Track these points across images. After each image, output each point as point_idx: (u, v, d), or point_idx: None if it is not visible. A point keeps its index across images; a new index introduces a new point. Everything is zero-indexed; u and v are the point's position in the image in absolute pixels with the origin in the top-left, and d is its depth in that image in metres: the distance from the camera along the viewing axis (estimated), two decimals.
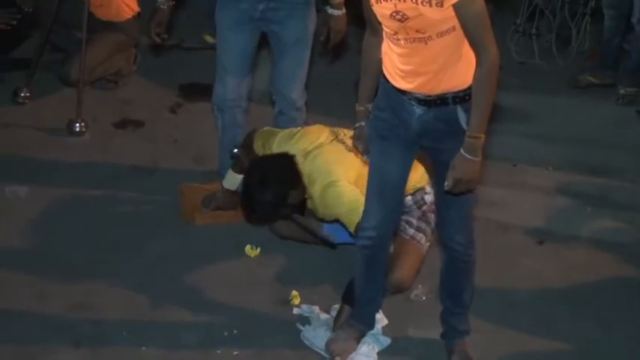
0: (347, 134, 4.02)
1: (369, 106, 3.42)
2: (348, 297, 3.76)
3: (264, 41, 4.30)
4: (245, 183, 4.00)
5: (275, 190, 3.91)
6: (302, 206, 4.01)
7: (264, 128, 4.25)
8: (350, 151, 3.94)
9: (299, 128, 4.16)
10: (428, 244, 4.07)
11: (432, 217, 4.04)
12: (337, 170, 3.88)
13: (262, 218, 4.13)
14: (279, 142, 4.09)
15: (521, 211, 4.71)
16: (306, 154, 3.97)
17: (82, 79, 5.15)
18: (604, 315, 3.99)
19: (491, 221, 4.52)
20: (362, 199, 3.58)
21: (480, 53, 3.01)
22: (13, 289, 3.91)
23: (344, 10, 4.11)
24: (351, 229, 3.71)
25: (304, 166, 3.94)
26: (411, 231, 4.05)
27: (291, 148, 4.01)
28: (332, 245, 4.06)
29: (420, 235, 4.05)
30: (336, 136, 4.06)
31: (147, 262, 4.13)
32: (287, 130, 4.15)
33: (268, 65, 4.40)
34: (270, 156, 4.06)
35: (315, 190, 3.89)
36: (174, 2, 4.18)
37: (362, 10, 3.25)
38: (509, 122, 5.35)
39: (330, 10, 4.10)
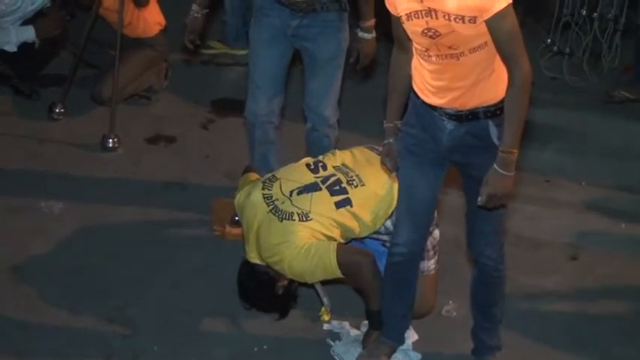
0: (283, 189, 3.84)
1: (398, 123, 3.42)
2: (374, 322, 3.75)
3: (297, 58, 4.31)
4: (242, 302, 3.96)
5: (262, 297, 3.89)
6: (292, 283, 3.91)
7: (249, 175, 4.14)
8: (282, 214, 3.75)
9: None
10: (435, 259, 3.93)
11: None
12: (284, 247, 3.68)
13: (274, 306, 4.01)
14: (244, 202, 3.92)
15: (553, 227, 4.68)
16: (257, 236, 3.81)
17: (115, 97, 5.19)
18: (637, 332, 3.95)
19: (523, 236, 4.49)
20: (315, 249, 3.59)
21: (513, 69, 3.00)
22: (46, 303, 3.94)
23: (374, 34, 4.11)
24: (336, 272, 3.64)
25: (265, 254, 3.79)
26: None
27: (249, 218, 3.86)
28: (325, 308, 3.98)
29: (424, 263, 3.86)
30: (274, 204, 3.79)
31: (178, 277, 4.15)
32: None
33: (301, 81, 4.41)
34: (241, 274, 3.92)
35: (286, 271, 3.75)
36: (208, 10, 4.20)
37: (391, 26, 3.25)
38: (542, 138, 5.32)
39: (360, 34, 4.10)
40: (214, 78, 6.03)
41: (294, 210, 3.70)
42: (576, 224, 4.72)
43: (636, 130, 5.71)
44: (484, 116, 3.14)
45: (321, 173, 3.86)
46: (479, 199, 3.15)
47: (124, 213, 4.58)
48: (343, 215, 3.73)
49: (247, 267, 3.86)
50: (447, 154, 3.29)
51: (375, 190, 3.79)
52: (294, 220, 3.67)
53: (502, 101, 3.08)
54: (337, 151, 4.03)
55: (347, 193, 3.77)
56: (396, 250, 3.51)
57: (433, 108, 3.21)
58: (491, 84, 3.10)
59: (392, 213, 3.75)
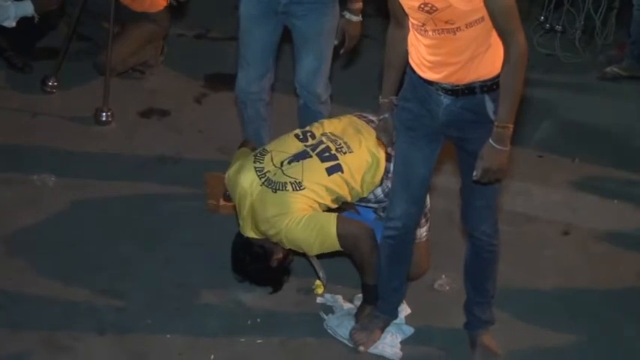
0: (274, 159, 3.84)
1: (393, 99, 3.41)
2: (369, 297, 3.76)
3: (287, 35, 4.30)
4: (235, 274, 3.97)
5: (256, 270, 3.89)
6: (287, 256, 3.92)
7: (244, 150, 4.14)
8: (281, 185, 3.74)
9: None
10: (427, 227, 3.95)
11: None
12: (281, 219, 3.67)
13: (270, 279, 4.00)
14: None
15: (546, 203, 4.69)
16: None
17: (108, 69, 5.18)
18: (630, 306, 3.98)
19: (516, 212, 4.51)
20: (315, 220, 3.60)
21: (509, 44, 3.00)
22: (39, 276, 3.94)
23: (361, 17, 4.09)
24: (335, 244, 3.64)
25: (260, 225, 3.77)
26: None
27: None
28: (321, 282, 3.99)
29: (416, 231, 3.83)
30: (266, 177, 3.77)
31: (171, 250, 4.16)
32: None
33: (292, 57, 4.40)
34: (234, 249, 3.92)
35: (284, 242, 3.74)
36: None
37: (386, 2, 3.24)
38: (535, 114, 5.33)
39: (347, 15, 4.07)
40: (208, 52, 6.02)
41: (287, 180, 3.70)
42: (568, 200, 4.74)
43: (628, 107, 5.73)
44: (480, 91, 3.14)
45: (310, 142, 3.87)
46: (474, 173, 3.15)
47: (117, 186, 4.58)
48: (335, 181, 3.73)
49: (241, 240, 3.87)
50: (442, 128, 3.29)
51: (362, 156, 3.79)
52: (288, 190, 3.68)
53: (498, 76, 3.08)
54: (325, 121, 4.04)
55: (337, 159, 3.77)
56: (391, 224, 3.52)
57: (429, 83, 3.21)
58: (488, 59, 3.10)
59: (381, 181, 3.77)
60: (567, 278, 4.15)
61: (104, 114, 5.13)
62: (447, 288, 4.02)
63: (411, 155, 3.40)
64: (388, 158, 3.72)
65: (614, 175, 4.98)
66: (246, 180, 3.78)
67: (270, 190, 3.70)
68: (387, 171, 3.76)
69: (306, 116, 4.31)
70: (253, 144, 4.20)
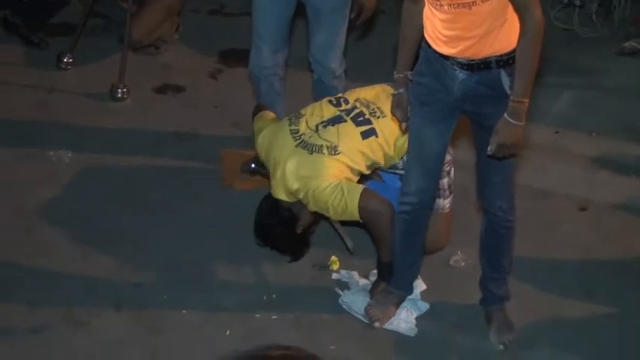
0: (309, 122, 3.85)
1: (408, 74, 3.40)
2: (384, 274, 3.76)
3: (301, 10, 4.28)
4: (257, 239, 3.98)
5: (281, 234, 3.91)
6: (314, 218, 3.93)
7: (264, 115, 4.17)
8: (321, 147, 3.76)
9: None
10: (450, 198, 3.96)
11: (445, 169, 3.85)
12: (311, 180, 3.69)
13: (292, 245, 4.02)
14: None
15: (563, 178, 4.67)
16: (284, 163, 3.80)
17: (127, 42, 5.18)
18: None
19: (532, 187, 4.49)
20: (341, 188, 3.60)
21: (525, 18, 2.98)
22: (56, 252, 3.96)
23: None
24: (355, 213, 3.63)
25: (289, 183, 3.78)
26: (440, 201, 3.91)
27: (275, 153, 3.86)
28: (348, 250, 4.01)
29: (440, 201, 3.88)
30: (301, 139, 3.80)
31: (187, 226, 4.16)
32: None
33: (306, 32, 4.39)
34: (261, 211, 3.94)
35: (309, 202, 3.74)
36: None
37: None
38: (552, 88, 5.29)
39: None
40: (223, 28, 6.01)
41: (323, 143, 3.72)
42: (586, 175, 4.71)
43: None
44: (496, 65, 3.12)
45: (344, 106, 3.88)
46: (489, 148, 3.14)
47: (133, 162, 4.59)
48: (370, 145, 3.75)
49: (271, 202, 3.87)
50: (458, 103, 3.27)
51: (395, 121, 3.77)
52: (324, 153, 3.70)
53: (514, 50, 3.06)
54: (357, 88, 4.03)
55: (371, 123, 3.79)
56: (406, 199, 3.51)
57: (445, 57, 3.19)
58: (504, 33, 3.07)
59: None
60: (584, 254, 4.13)
61: (119, 90, 5.13)
62: (463, 264, 4.01)
63: (426, 130, 3.39)
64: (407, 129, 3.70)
65: (632, 151, 4.94)
66: (283, 141, 3.81)
67: (306, 151, 3.72)
68: None
69: (321, 91, 4.29)
70: (267, 108, 4.19)
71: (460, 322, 3.69)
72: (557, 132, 5.06)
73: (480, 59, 3.13)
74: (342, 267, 3.95)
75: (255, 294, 3.81)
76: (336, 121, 3.81)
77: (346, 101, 3.92)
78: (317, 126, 3.81)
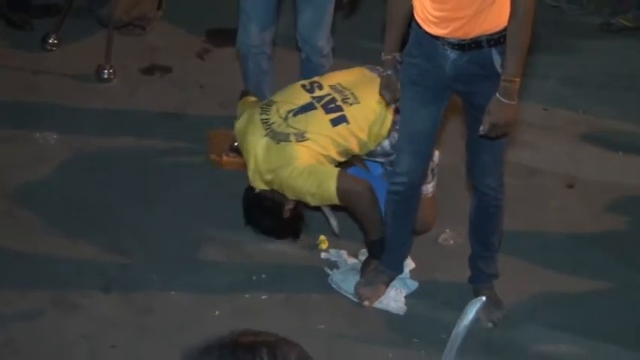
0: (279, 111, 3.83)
1: (397, 55, 3.39)
2: (374, 252, 3.76)
3: None
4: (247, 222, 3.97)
5: (270, 223, 3.89)
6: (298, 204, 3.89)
7: (246, 100, 4.17)
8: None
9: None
10: (433, 182, 3.94)
11: None
12: (283, 169, 3.68)
13: (286, 229, 3.99)
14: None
15: (551, 155, 4.68)
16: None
17: (112, 25, 5.15)
18: (634, 257, 3.99)
19: (521, 164, 4.49)
20: (316, 173, 3.59)
21: None
22: (44, 234, 3.95)
23: None
24: (333, 198, 3.63)
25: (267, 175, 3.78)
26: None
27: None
28: (334, 232, 4.00)
29: (423, 187, 3.83)
30: (270, 128, 3.79)
31: (174, 206, 4.15)
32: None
33: (294, 11, 4.37)
34: (246, 203, 3.92)
35: (287, 193, 3.75)
36: None
37: None
38: (540, 66, 5.29)
39: None
40: (209, 7, 5.97)
41: (290, 131, 3.70)
42: (573, 152, 4.72)
43: (634, 59, 5.67)
44: (487, 45, 3.11)
45: (317, 93, 3.85)
46: (481, 128, 3.13)
47: (120, 143, 4.57)
48: (340, 132, 3.72)
49: (251, 194, 3.87)
50: (449, 83, 3.27)
51: (369, 107, 3.76)
52: (291, 140, 3.68)
53: (505, 29, 3.05)
54: (336, 72, 4.02)
55: (342, 110, 3.76)
56: (397, 179, 3.51)
57: (436, 38, 3.18)
58: (494, 12, 3.06)
59: (389, 133, 3.75)
60: (572, 230, 4.15)
61: (106, 71, 5.09)
62: (452, 242, 4.02)
63: (417, 111, 3.38)
64: (397, 110, 3.70)
65: (619, 127, 4.96)
66: (253, 132, 3.79)
67: (274, 141, 3.70)
68: (395, 122, 3.73)
69: (308, 70, 4.28)
70: (253, 93, 4.18)
71: (449, 301, 3.70)
72: (545, 109, 5.06)
73: (470, 39, 3.12)
74: (331, 246, 3.95)
75: (245, 274, 3.80)
76: (306, 108, 3.79)
77: (320, 87, 3.88)
78: (287, 114, 3.78)
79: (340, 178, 3.59)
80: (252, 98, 4.11)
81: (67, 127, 4.64)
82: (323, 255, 3.93)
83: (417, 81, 3.33)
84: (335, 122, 3.74)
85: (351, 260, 3.88)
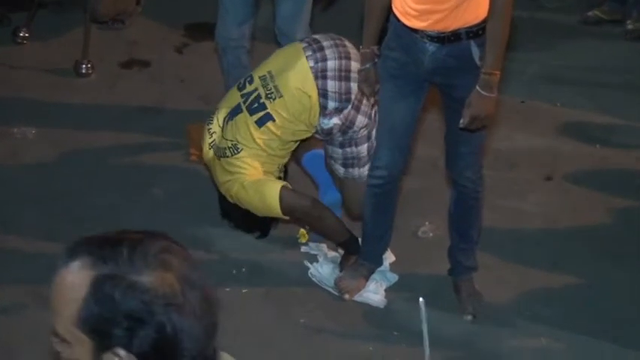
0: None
1: (375, 48, 3.39)
2: (348, 250, 3.78)
3: None
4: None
5: (242, 218, 3.89)
6: None
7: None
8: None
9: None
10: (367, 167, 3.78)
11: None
12: (229, 185, 3.76)
13: (255, 226, 3.99)
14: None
15: (528, 148, 4.70)
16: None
17: (87, 18, 5.12)
18: (611, 251, 4.00)
19: (498, 158, 4.51)
20: (261, 191, 3.63)
21: None
22: (23, 229, 3.93)
23: None
24: (278, 214, 3.67)
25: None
26: (341, 170, 3.85)
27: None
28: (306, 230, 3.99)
29: (356, 170, 3.83)
30: (213, 140, 3.85)
31: (154, 201, 4.15)
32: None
33: (271, 4, 4.37)
34: (220, 200, 3.93)
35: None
36: None
37: None
38: (519, 59, 5.30)
39: None
40: (188, 1, 5.95)
41: (225, 145, 3.74)
42: (551, 145, 4.74)
43: (611, 51, 5.70)
44: (466, 37, 3.13)
45: (247, 89, 3.80)
46: (461, 121, 3.15)
47: (100, 138, 4.55)
48: (269, 131, 3.70)
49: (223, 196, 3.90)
50: (428, 76, 3.28)
51: (293, 98, 3.69)
52: (228, 156, 3.72)
53: (484, 21, 3.07)
54: (272, 57, 3.90)
55: (266, 108, 3.71)
56: (376, 172, 3.52)
57: (414, 31, 3.19)
58: (474, 5, 3.07)
59: (319, 116, 3.69)
60: (550, 223, 4.17)
61: (84, 65, 5.07)
62: (431, 235, 4.03)
63: (396, 104, 3.39)
64: (322, 94, 3.66)
65: (596, 120, 4.98)
66: (205, 141, 3.87)
67: (216, 156, 3.77)
68: (322, 107, 3.68)
69: None
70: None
71: (429, 293, 3.68)
72: (522, 102, 5.08)
73: (450, 32, 3.13)
74: (310, 240, 3.96)
75: (225, 268, 3.80)
76: (234, 113, 3.78)
77: (251, 81, 3.81)
78: (223, 122, 3.80)
79: (282, 195, 3.61)
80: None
81: (45, 121, 4.62)
82: (303, 248, 3.93)
83: (395, 74, 3.34)
84: (260, 122, 3.71)
85: (331, 254, 3.89)
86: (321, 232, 3.80)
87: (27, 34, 5.34)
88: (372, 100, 3.58)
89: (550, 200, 4.33)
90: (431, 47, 3.18)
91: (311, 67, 3.68)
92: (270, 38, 4.56)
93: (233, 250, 3.90)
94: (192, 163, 4.40)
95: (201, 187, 4.19)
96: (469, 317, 3.61)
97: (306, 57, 3.72)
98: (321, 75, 3.65)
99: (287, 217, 3.71)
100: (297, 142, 3.86)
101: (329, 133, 3.72)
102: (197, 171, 4.34)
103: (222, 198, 3.91)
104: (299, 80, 3.69)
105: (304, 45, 3.78)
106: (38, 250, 3.81)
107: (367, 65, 3.41)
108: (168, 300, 1.50)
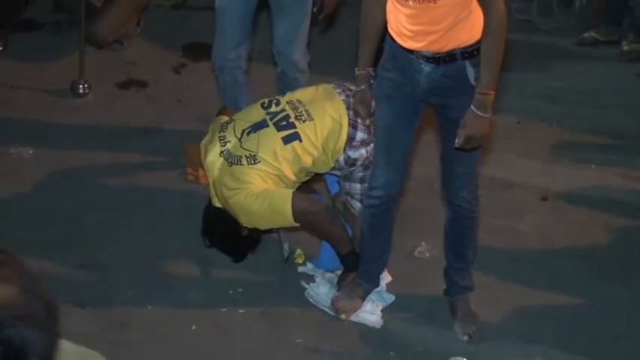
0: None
1: (370, 70, 3.41)
2: (348, 265, 3.78)
3: (265, 3, 4.28)
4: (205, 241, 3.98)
5: (225, 240, 3.90)
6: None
7: (220, 118, 4.10)
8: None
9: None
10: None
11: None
12: (236, 194, 3.67)
13: (235, 250, 3.99)
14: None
15: (524, 168, 4.71)
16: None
17: (81, 39, 5.14)
18: (608, 271, 4.01)
19: (494, 178, 4.52)
20: (270, 196, 3.57)
21: (489, 12, 3.01)
22: (18, 249, 3.86)
23: None
24: (289, 219, 3.62)
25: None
26: (358, 205, 3.80)
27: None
28: (285, 259, 3.98)
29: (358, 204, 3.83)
30: (226, 147, 3.77)
31: (152, 221, 4.15)
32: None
33: (269, 25, 4.39)
34: (206, 214, 3.94)
35: (241, 219, 3.72)
36: None
37: None
38: (513, 79, 5.33)
39: None
40: (186, 22, 5.99)
41: (243, 153, 3.66)
42: (547, 165, 4.76)
43: (606, 72, 5.74)
44: (461, 57, 3.14)
45: (273, 109, 3.79)
46: (456, 140, 3.16)
47: (96, 158, 4.56)
48: (293, 150, 3.67)
49: (211, 211, 3.87)
50: (423, 96, 3.29)
51: (324, 123, 3.70)
52: (243, 164, 3.65)
53: (479, 42, 3.08)
54: (300, 89, 3.98)
55: (295, 127, 3.70)
56: (373, 193, 3.53)
57: (410, 51, 3.21)
58: (469, 25, 3.09)
59: (344, 149, 3.70)
60: (546, 243, 4.18)
61: (81, 86, 5.09)
62: (427, 255, 4.04)
63: (393, 124, 3.40)
64: (352, 124, 3.68)
65: (592, 140, 5.00)
66: (212, 151, 3.79)
67: (227, 162, 3.69)
68: (350, 138, 3.69)
69: (285, 84, 4.30)
70: (229, 112, 4.19)
71: (425, 313, 3.72)
72: (518, 122, 5.10)
73: (445, 52, 3.15)
74: (307, 260, 3.96)
75: (221, 288, 3.80)
76: (258, 127, 3.74)
77: (277, 103, 3.82)
78: (242, 133, 3.74)
79: (295, 200, 3.57)
80: (225, 117, 4.08)
81: (42, 141, 4.64)
82: (300, 269, 3.93)
83: (391, 95, 3.35)
84: (287, 140, 3.68)
85: (328, 274, 3.88)
86: (328, 238, 3.75)
87: (1, 48, 5.35)
88: (367, 121, 3.59)
89: (546, 220, 4.34)
90: (426, 68, 3.20)
91: (343, 100, 3.71)
92: (268, 59, 4.58)
93: (229, 270, 3.90)
94: (190, 183, 4.41)
95: (198, 207, 4.17)
96: (465, 337, 3.61)
97: (337, 92, 3.77)
98: (353, 107, 3.65)
99: (296, 224, 3.62)
100: (309, 176, 3.85)
101: (353, 164, 3.71)
102: (194, 191, 4.34)
103: (207, 212, 3.89)
104: (334, 109, 3.70)
105: (332, 85, 3.85)
106: (34, 270, 3.79)
107: (363, 87, 3.43)
108: (13, 313, 1.47)
